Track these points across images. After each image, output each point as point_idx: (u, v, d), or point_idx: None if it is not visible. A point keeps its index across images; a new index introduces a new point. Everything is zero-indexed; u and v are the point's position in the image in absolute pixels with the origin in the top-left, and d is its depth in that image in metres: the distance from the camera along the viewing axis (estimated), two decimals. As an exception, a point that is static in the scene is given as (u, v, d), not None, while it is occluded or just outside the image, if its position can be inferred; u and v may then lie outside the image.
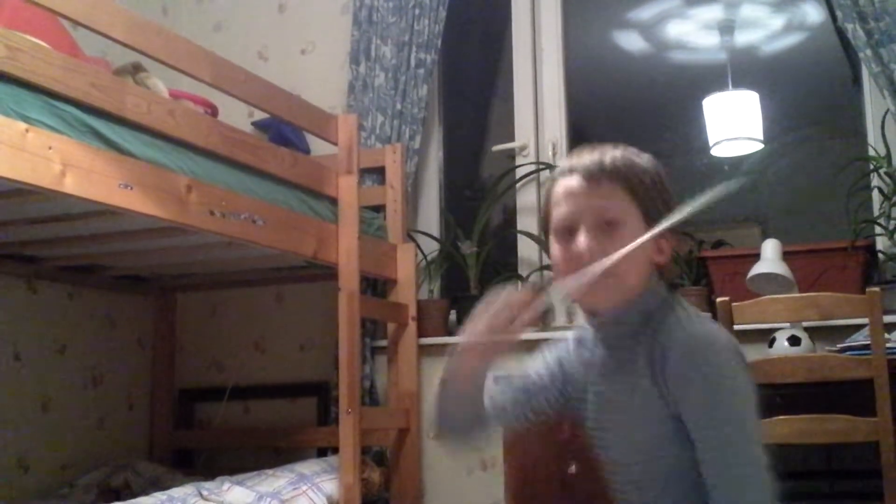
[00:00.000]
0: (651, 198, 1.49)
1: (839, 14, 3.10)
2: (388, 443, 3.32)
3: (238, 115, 3.45)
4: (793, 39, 4.93)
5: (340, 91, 3.74)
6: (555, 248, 1.51)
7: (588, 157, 1.50)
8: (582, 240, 1.45)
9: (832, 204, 3.16)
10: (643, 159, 1.53)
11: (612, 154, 1.50)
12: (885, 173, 3.06)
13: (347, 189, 3.00)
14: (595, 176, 1.47)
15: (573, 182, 1.49)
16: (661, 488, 1.49)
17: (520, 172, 3.59)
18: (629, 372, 1.49)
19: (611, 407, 1.54)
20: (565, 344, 1.68)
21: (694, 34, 4.94)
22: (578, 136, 3.71)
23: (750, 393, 1.45)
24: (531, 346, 1.77)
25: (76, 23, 2.20)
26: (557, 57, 3.68)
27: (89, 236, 2.76)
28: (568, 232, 1.47)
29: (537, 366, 1.68)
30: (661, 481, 1.48)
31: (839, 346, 2.63)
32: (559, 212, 1.49)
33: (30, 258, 3.15)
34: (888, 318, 2.60)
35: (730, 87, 4.27)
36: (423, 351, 3.44)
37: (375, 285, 3.46)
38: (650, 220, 1.47)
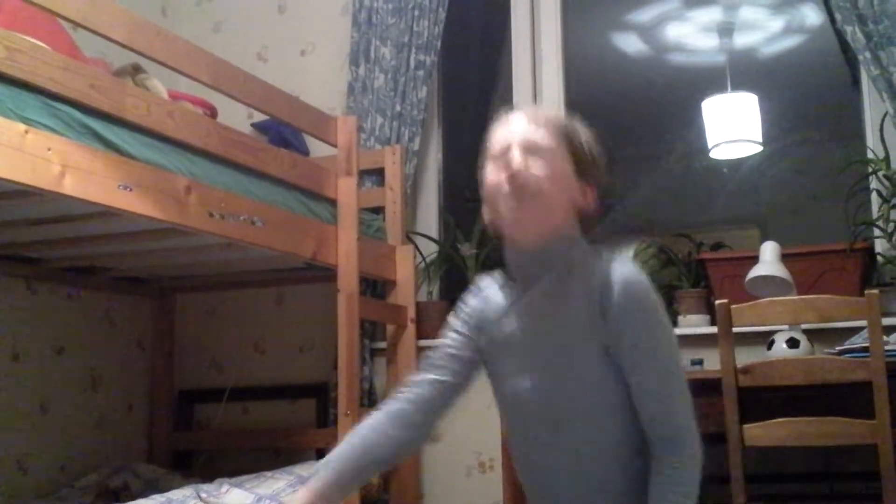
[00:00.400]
0: (582, 151, 1.60)
1: (838, 16, 3.10)
2: (387, 444, 3.31)
3: (237, 117, 3.45)
4: (792, 42, 4.93)
5: (340, 92, 3.74)
6: (488, 172, 1.60)
7: (531, 106, 1.58)
8: (514, 153, 1.55)
9: (831, 206, 3.17)
10: (581, 126, 1.64)
11: (552, 111, 1.64)
12: (884, 176, 3.06)
13: (347, 190, 3.01)
14: (533, 117, 1.60)
15: (512, 116, 1.62)
16: (581, 426, 1.54)
17: (519, 174, 3.58)
18: (560, 309, 1.55)
19: (538, 344, 1.58)
20: (471, 301, 1.74)
21: (693, 36, 4.94)
22: (577, 138, 3.71)
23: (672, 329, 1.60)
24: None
25: (76, 24, 2.20)
26: (557, 59, 3.68)
27: (88, 237, 2.76)
28: (501, 155, 1.57)
29: (450, 334, 1.74)
30: (582, 418, 1.54)
31: (838, 348, 2.63)
32: (495, 138, 1.61)
33: (29, 259, 3.15)
34: (887, 321, 2.61)
35: (729, 89, 4.27)
36: (423, 353, 3.44)
37: (375, 287, 3.46)
38: (579, 168, 1.58)
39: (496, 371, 1.68)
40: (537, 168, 1.53)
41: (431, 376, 1.70)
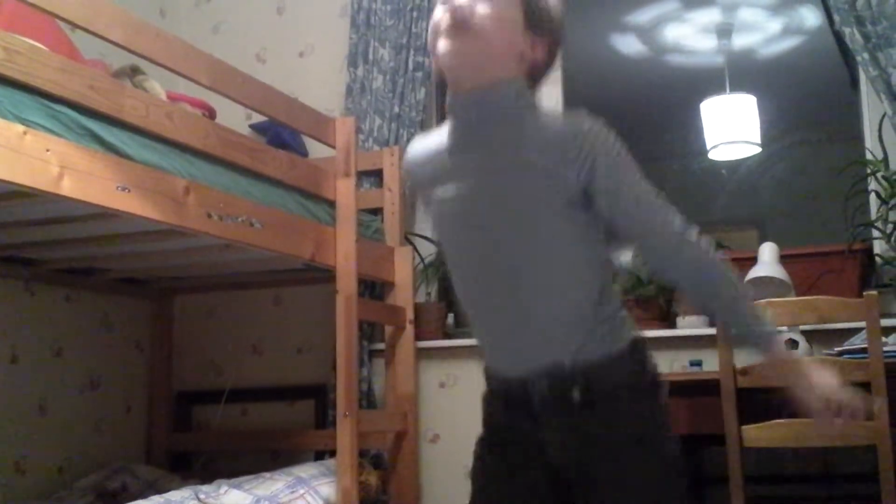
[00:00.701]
0: (534, 1, 1.54)
1: (837, 18, 3.10)
2: (386, 446, 3.32)
3: (236, 118, 3.45)
4: (790, 43, 4.94)
5: (338, 94, 3.74)
6: (434, 15, 1.55)
7: None
8: None
9: (829, 207, 3.17)
10: None
11: None
12: (883, 177, 3.06)
13: (345, 192, 3.01)
14: None
15: None
16: (536, 279, 1.51)
17: (518, 175, 3.58)
18: (511, 161, 1.51)
19: (489, 197, 1.53)
20: (416, 153, 1.68)
21: (692, 38, 4.94)
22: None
23: None
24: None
25: (74, 25, 2.20)
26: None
27: (87, 239, 2.76)
28: None
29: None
30: (537, 272, 1.51)
31: (836, 349, 2.63)
32: None
33: (27, 260, 3.14)
34: (885, 322, 2.61)
35: (727, 90, 4.28)
36: (421, 354, 3.44)
37: (373, 288, 3.46)
38: (529, 19, 1.54)
39: (444, 226, 1.62)
40: (481, 6, 1.49)
41: None
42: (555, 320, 1.51)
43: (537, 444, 1.54)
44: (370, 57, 3.66)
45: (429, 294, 3.59)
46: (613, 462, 1.50)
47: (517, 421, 1.56)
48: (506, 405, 1.59)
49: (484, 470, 1.65)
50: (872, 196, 3.15)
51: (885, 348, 2.41)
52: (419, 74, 3.57)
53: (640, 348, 1.56)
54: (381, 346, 3.45)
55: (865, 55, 3.04)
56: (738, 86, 4.43)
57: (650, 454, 1.51)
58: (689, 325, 3.21)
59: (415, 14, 3.60)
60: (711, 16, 4.74)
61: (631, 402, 1.51)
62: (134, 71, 2.61)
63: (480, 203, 1.54)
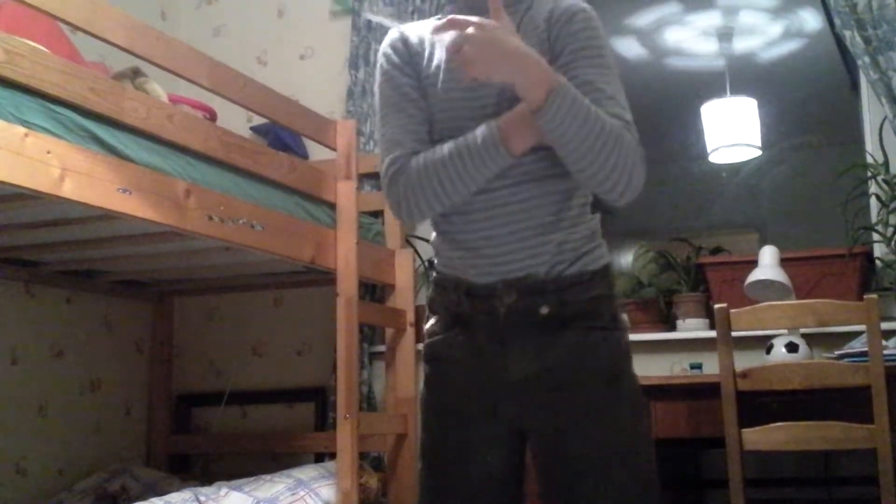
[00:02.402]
0: None
1: (837, 21, 3.11)
2: (386, 448, 3.31)
3: (237, 120, 3.46)
4: (791, 46, 4.94)
5: (339, 96, 3.75)
6: None
7: None
8: None
9: (830, 211, 3.17)
10: None
11: None
12: (883, 180, 3.06)
13: (346, 194, 3.01)
14: None
15: None
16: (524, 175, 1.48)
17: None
18: (527, 34, 1.50)
19: (485, 89, 1.49)
20: (400, 47, 1.60)
21: (692, 41, 4.95)
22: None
23: None
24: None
25: (75, 27, 2.20)
26: (556, 63, 3.69)
27: (87, 241, 2.76)
28: None
29: (402, 106, 1.59)
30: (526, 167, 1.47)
31: (837, 352, 2.63)
32: None
33: (28, 262, 3.14)
34: (885, 325, 2.61)
35: (728, 93, 4.28)
36: (421, 356, 3.44)
37: (374, 291, 3.46)
38: None
39: (434, 116, 1.56)
40: None
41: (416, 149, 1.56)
42: (528, 226, 1.48)
43: (495, 372, 1.50)
44: (371, 59, 3.66)
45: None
46: (583, 399, 1.47)
47: (473, 347, 1.53)
48: (465, 326, 1.55)
49: (438, 420, 1.61)
50: (873, 199, 3.15)
51: (886, 352, 2.42)
52: (420, 77, 3.57)
53: (611, 274, 1.54)
54: (382, 348, 3.45)
55: (866, 58, 3.04)
56: (738, 89, 4.43)
57: (622, 394, 1.50)
58: (689, 329, 3.21)
59: (415, 17, 3.60)
60: (712, 19, 4.75)
61: (604, 330, 1.50)
62: (135, 73, 2.61)
63: (475, 97, 1.52)
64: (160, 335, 3.78)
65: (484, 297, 1.52)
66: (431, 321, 1.66)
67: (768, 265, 3.00)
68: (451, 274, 1.59)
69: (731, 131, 3.95)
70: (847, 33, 3.07)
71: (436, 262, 1.66)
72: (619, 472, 1.46)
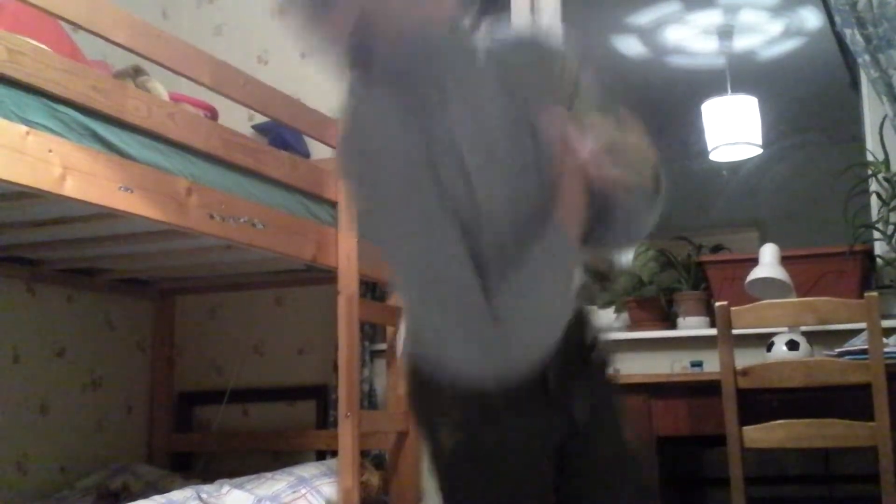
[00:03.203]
0: None
1: (838, 19, 3.11)
2: (387, 446, 3.32)
3: (238, 119, 3.46)
4: (791, 44, 4.94)
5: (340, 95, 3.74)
6: None
7: None
8: None
9: (830, 209, 3.17)
10: None
11: None
12: (884, 178, 3.06)
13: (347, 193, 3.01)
14: None
15: None
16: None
17: (519, 176, 3.58)
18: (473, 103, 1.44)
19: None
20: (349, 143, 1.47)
21: (693, 39, 4.94)
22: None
23: None
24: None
25: (77, 26, 2.20)
26: (557, 61, 3.68)
27: (89, 239, 2.77)
28: None
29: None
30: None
31: (837, 350, 2.63)
32: None
33: (29, 261, 3.15)
34: (886, 323, 2.61)
35: (728, 91, 4.28)
36: (422, 355, 3.44)
37: (375, 289, 3.47)
38: None
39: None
40: None
41: None
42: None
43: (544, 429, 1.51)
44: (372, 58, 3.65)
45: (430, 295, 3.58)
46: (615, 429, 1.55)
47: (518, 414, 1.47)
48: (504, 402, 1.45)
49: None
50: (873, 197, 3.15)
51: (886, 349, 2.42)
52: (421, 75, 3.57)
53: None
54: (383, 346, 3.46)
55: (866, 57, 3.04)
56: (739, 87, 4.43)
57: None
58: (690, 327, 3.21)
59: (416, 15, 3.60)
60: (712, 17, 4.75)
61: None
62: (136, 72, 2.62)
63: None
64: (162, 333, 3.79)
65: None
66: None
67: (769, 263, 3.00)
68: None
69: (732, 129, 3.96)
70: (847, 31, 3.07)
71: None
72: None
